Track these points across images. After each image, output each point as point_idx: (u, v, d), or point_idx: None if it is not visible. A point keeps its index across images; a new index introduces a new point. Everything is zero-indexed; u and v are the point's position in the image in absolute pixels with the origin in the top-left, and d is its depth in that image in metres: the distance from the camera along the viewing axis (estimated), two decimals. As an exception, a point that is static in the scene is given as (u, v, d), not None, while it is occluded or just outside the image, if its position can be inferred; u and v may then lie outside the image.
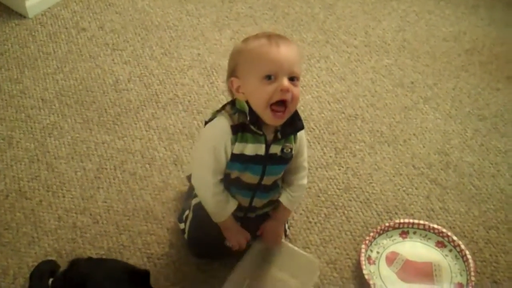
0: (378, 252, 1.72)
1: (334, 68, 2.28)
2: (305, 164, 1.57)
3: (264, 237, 1.64)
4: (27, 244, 1.71)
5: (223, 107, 1.47)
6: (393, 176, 1.92)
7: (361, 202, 1.84)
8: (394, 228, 1.76)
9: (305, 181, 1.59)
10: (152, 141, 2.00)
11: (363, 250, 1.69)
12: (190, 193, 1.74)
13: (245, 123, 1.41)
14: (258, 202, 1.57)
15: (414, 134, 2.05)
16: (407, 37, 2.44)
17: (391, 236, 1.75)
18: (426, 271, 1.68)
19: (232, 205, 1.55)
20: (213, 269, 1.66)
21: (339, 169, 1.93)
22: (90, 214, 1.79)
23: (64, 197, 1.83)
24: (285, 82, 1.35)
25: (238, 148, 1.44)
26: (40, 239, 1.72)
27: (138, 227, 1.76)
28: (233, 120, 1.42)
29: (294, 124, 1.45)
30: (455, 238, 1.72)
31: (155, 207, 1.81)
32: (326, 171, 1.92)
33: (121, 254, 1.70)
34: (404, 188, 1.89)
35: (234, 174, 1.49)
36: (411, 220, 1.77)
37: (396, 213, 1.82)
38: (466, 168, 1.95)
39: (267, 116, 1.39)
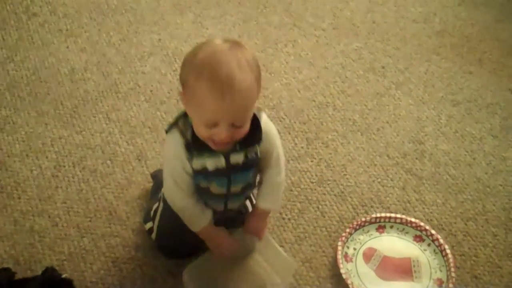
0: (355, 249, 1.65)
1: (303, 53, 2.19)
2: (279, 161, 1.45)
3: (245, 229, 1.53)
4: (-19, 251, 1.59)
5: (177, 121, 1.37)
6: (368, 167, 1.85)
7: (335, 195, 1.77)
8: (370, 222, 1.69)
9: (279, 178, 1.47)
10: (113, 135, 1.87)
11: (339, 248, 1.62)
12: (155, 191, 1.65)
13: (199, 139, 1.31)
14: (232, 205, 1.48)
15: (387, 122, 1.98)
16: (376, 19, 2.36)
17: (368, 231, 1.69)
18: (405, 268, 1.62)
19: (207, 216, 1.45)
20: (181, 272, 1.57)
21: (312, 161, 1.85)
22: (49, 217, 1.67)
23: (19, 198, 1.70)
24: (223, 134, 1.24)
25: (198, 163, 1.35)
26: (-6, 246, 1.60)
27: (101, 229, 1.65)
28: (185, 137, 1.33)
29: (253, 133, 1.33)
30: (433, 231, 1.67)
31: (119, 207, 1.70)
32: (298, 163, 1.84)
33: (83, 259, 1.58)
34: (379, 180, 1.82)
35: (202, 185, 1.40)
36: (387, 214, 1.70)
37: (372, 206, 1.75)
38: (441, 156, 1.89)
39: (210, 144, 1.30)
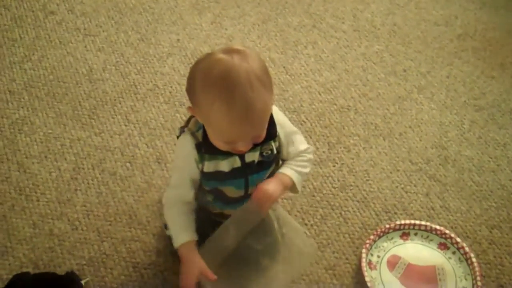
0: (379, 256, 1.62)
1: (323, 55, 2.16)
2: (294, 137, 1.35)
3: (252, 196, 1.32)
4: (0, 254, 1.56)
5: (187, 122, 1.34)
6: (390, 173, 1.82)
7: (358, 201, 1.74)
8: (394, 229, 1.67)
9: (301, 146, 1.37)
10: (132, 137, 1.85)
11: (363, 255, 1.59)
12: None
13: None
14: None
15: (409, 127, 1.95)
16: (397, 21, 2.33)
17: (392, 238, 1.66)
18: (430, 276, 1.60)
19: (192, 234, 1.34)
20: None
21: (334, 166, 1.82)
22: (68, 220, 1.65)
23: (38, 201, 1.68)
24: (244, 148, 1.22)
25: (210, 166, 1.30)
26: (14, 249, 1.57)
27: (121, 233, 1.63)
28: (196, 138, 1.29)
29: (268, 130, 1.26)
30: (458, 239, 1.64)
31: (139, 211, 1.68)
32: (320, 168, 1.81)
33: (104, 264, 1.56)
34: (402, 186, 1.79)
35: (216, 189, 1.36)
36: (412, 221, 1.68)
37: (395, 213, 1.73)
38: (465, 163, 1.87)
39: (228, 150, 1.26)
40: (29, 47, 2.08)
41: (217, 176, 1.32)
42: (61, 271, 1.53)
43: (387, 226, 1.66)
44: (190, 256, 1.33)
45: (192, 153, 1.29)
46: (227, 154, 1.28)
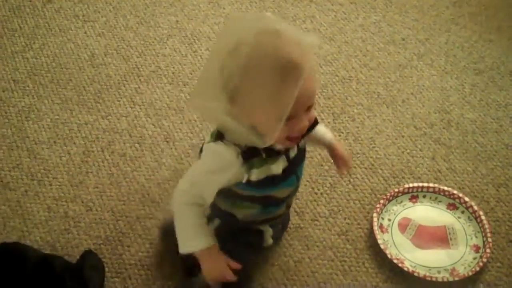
0: (389, 220, 1.65)
1: (322, 28, 2.17)
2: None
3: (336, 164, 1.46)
4: (17, 239, 1.57)
5: (219, 135, 1.21)
6: (396, 139, 1.85)
7: (366, 168, 1.77)
8: (403, 193, 1.70)
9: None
10: (139, 118, 1.87)
11: (375, 219, 1.62)
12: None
13: (255, 149, 1.19)
14: (291, 200, 1.43)
15: (411, 93, 1.98)
16: (392, -9, 2.35)
17: (401, 202, 1.69)
18: (441, 235, 1.63)
19: (213, 239, 1.27)
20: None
21: (339, 135, 1.85)
22: (82, 202, 1.67)
23: (51, 185, 1.70)
24: (305, 122, 1.15)
25: (260, 173, 1.22)
26: (30, 233, 1.59)
27: (135, 212, 1.65)
28: (240, 147, 1.19)
29: None
30: (466, 199, 1.67)
31: (151, 189, 1.70)
32: (326, 138, 1.84)
33: (120, 242, 1.58)
34: (408, 151, 1.82)
35: (264, 197, 1.29)
36: (420, 184, 1.70)
37: (403, 177, 1.75)
38: (468, 125, 1.89)
39: (281, 144, 1.20)
40: (29, 36, 2.09)
41: (272, 181, 1.25)
42: (78, 251, 1.55)
43: (396, 190, 1.69)
44: (215, 254, 1.28)
45: (236, 163, 1.19)
46: (274, 157, 1.23)
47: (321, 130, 1.41)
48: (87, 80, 1.97)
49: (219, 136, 1.21)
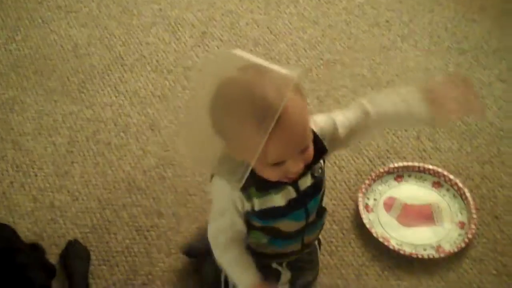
0: (375, 199, 1.66)
1: (305, 12, 2.17)
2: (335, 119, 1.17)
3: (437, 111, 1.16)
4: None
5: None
6: (380, 120, 1.85)
7: (351, 149, 1.77)
8: (388, 173, 1.70)
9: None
10: (124, 107, 1.87)
11: (360, 199, 1.63)
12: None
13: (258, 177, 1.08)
14: (310, 237, 1.26)
15: (396, 75, 1.98)
16: (375, -26, 2.34)
17: (386, 182, 1.69)
18: (426, 214, 1.64)
19: (252, 277, 1.20)
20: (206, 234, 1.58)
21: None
22: (68, 191, 1.67)
23: (36, 176, 1.70)
24: (296, 167, 1.03)
25: (261, 203, 1.12)
26: (17, 224, 1.60)
27: (121, 200, 1.65)
28: None
29: (315, 147, 1.07)
30: (451, 177, 1.68)
31: (137, 177, 1.70)
32: (311, 121, 1.84)
33: (107, 230, 1.59)
34: (393, 131, 1.82)
35: (269, 228, 1.18)
36: (404, 163, 1.71)
37: (388, 158, 1.76)
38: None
39: (283, 180, 1.08)
40: (12, 28, 2.08)
41: (273, 212, 1.14)
42: (65, 241, 1.56)
43: (381, 170, 1.69)
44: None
45: (233, 194, 1.11)
46: (278, 187, 1.10)
47: (346, 118, 1.19)
48: (71, 71, 1.96)
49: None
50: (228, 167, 1.04)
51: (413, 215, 1.63)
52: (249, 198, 1.11)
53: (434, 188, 1.69)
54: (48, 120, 1.83)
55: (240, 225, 1.16)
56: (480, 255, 1.56)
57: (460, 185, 1.66)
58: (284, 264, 1.31)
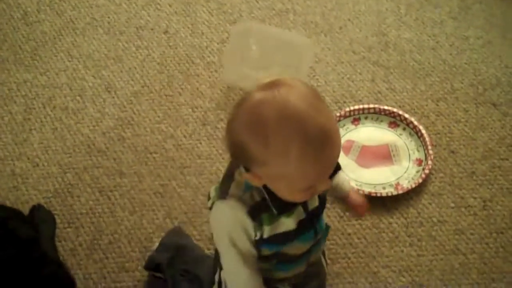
0: (333, 144, 1.68)
1: (255, -36, 2.16)
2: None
3: (355, 211, 1.28)
4: (-34, 202, 1.58)
5: (223, 189, 1.04)
6: (335, 65, 1.86)
7: (307, 96, 1.79)
8: (345, 116, 1.72)
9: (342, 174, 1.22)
10: (78, 71, 1.85)
11: (319, 144, 1.65)
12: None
13: (265, 198, 1.01)
14: (315, 256, 1.19)
15: (348, 20, 1.98)
16: None
17: (344, 125, 1.72)
18: (384, 153, 1.67)
19: None
20: (170, 190, 1.59)
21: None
22: (28, 158, 1.67)
23: (-6, 145, 1.70)
24: (324, 187, 0.98)
25: (272, 229, 1.04)
26: (-22, 194, 1.60)
27: (82, 163, 1.66)
28: (246, 203, 1.01)
29: None
30: (406, 116, 1.70)
31: (96, 139, 1.70)
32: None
33: (70, 194, 1.60)
34: (348, 76, 1.84)
35: (276, 253, 1.11)
36: (360, 106, 1.73)
37: (344, 102, 1.78)
38: (405, 45, 1.92)
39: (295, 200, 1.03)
40: (-42, 0, 2.04)
41: (284, 237, 1.07)
42: (29, 207, 1.56)
43: (338, 114, 1.71)
44: None
45: (244, 222, 1.02)
46: (291, 209, 1.04)
47: (340, 177, 1.22)
48: (22, 39, 1.94)
49: (222, 190, 1.05)
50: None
51: (371, 156, 1.66)
52: (260, 226, 1.03)
53: (390, 128, 1.71)
54: (2, 90, 1.81)
55: (254, 252, 1.07)
56: (438, 190, 1.60)
57: (416, 123, 1.69)
58: (286, 284, 1.22)
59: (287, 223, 1.05)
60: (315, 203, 1.07)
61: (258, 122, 0.90)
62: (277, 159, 0.91)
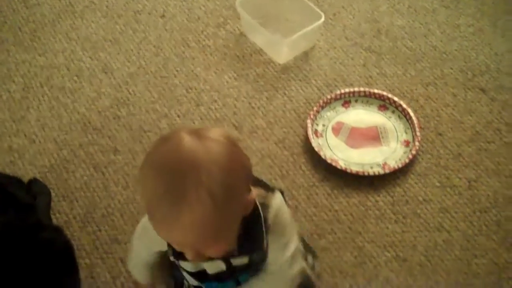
0: (324, 125, 1.72)
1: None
2: (287, 250, 1.07)
3: None
4: (-37, 175, 1.62)
5: None
6: (328, 51, 1.90)
7: (300, 80, 1.83)
8: (336, 99, 1.76)
9: (289, 271, 1.09)
10: (76, 53, 1.89)
11: (309, 125, 1.68)
12: None
13: None
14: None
15: (342, 7, 2.02)
16: None
17: (334, 108, 1.75)
18: (373, 135, 1.70)
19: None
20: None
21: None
22: (25, 135, 1.71)
23: (-8, 122, 1.74)
24: (189, 258, 0.95)
25: (188, 265, 1.06)
26: (-24, 168, 1.64)
27: (78, 140, 1.69)
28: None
29: (255, 235, 1.01)
30: (396, 99, 1.74)
31: (92, 118, 1.74)
32: (261, 55, 1.88)
33: (65, 169, 1.63)
34: (340, 60, 1.87)
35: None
36: (351, 89, 1.77)
37: (335, 86, 1.81)
38: (397, 31, 1.95)
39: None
40: (-41, -17, 2.09)
41: (201, 275, 1.08)
42: (25, 181, 1.59)
43: (328, 96, 1.75)
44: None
45: (163, 244, 1.02)
46: (185, 258, 0.99)
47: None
48: (22, 21, 1.98)
49: None
50: None
51: (360, 137, 1.70)
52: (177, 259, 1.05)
53: (380, 111, 1.75)
54: (1, 70, 1.85)
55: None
56: (425, 170, 1.64)
57: (405, 106, 1.73)
58: None
59: (207, 267, 1.05)
60: (243, 262, 1.03)
61: (151, 150, 0.90)
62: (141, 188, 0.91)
